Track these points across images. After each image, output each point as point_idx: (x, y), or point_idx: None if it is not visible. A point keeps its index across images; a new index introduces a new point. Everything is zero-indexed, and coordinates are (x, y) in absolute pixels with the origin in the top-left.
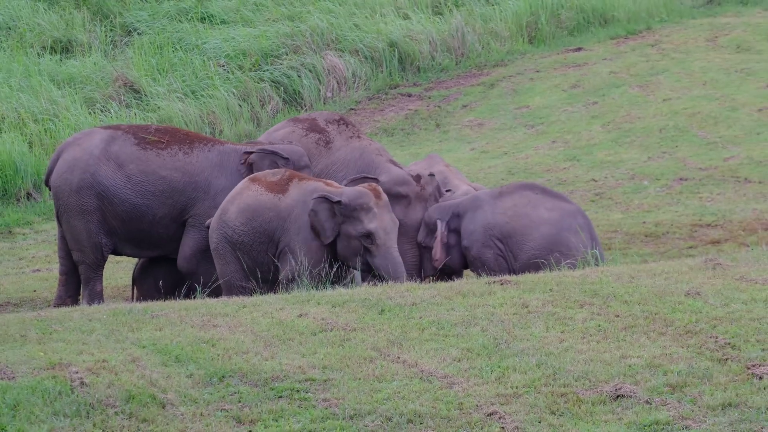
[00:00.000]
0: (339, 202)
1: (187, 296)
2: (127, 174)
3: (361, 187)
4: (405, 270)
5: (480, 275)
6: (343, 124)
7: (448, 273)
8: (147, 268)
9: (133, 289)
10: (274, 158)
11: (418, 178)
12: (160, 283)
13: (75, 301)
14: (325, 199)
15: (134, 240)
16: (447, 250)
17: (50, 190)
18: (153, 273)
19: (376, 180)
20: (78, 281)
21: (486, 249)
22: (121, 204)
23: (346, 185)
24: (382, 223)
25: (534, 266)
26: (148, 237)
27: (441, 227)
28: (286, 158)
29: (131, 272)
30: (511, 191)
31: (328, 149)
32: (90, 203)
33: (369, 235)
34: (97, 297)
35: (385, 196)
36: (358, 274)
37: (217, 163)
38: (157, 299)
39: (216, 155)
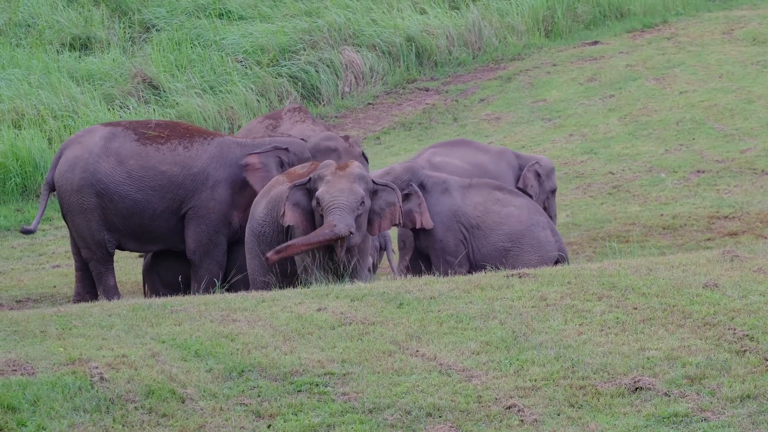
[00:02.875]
0: (309, 179)
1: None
2: (127, 170)
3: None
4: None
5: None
6: (298, 112)
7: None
8: (151, 264)
9: (144, 284)
10: (276, 153)
11: (346, 137)
12: (180, 278)
13: (94, 296)
14: (296, 187)
15: (136, 235)
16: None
17: (52, 188)
18: (157, 268)
19: (303, 140)
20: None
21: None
22: (122, 201)
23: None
24: (331, 188)
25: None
26: (149, 231)
27: (419, 192)
28: (285, 148)
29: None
30: (479, 186)
31: (274, 130)
32: (90, 202)
33: (318, 201)
34: (112, 291)
35: (349, 168)
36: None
37: (216, 155)
38: (163, 294)
39: (215, 147)
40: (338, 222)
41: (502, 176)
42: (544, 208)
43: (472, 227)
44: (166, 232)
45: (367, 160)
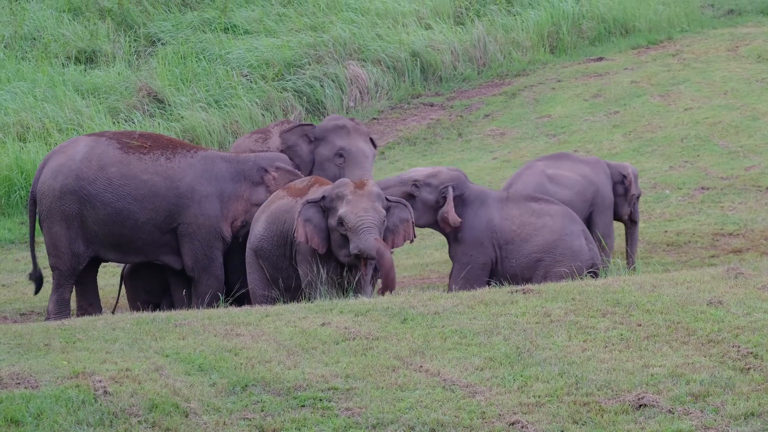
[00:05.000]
0: (323, 197)
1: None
2: (108, 177)
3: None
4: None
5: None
6: (285, 125)
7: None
8: (135, 269)
9: (123, 289)
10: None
11: (352, 120)
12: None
13: (96, 309)
14: (310, 203)
15: (117, 245)
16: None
17: (33, 201)
18: (140, 274)
19: (310, 125)
20: (95, 286)
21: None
22: (103, 208)
23: (290, 128)
24: (354, 208)
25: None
26: (130, 242)
27: (451, 194)
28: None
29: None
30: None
31: (264, 144)
32: (72, 208)
33: (341, 221)
34: (64, 304)
35: (367, 187)
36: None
37: (201, 170)
38: (145, 301)
39: (199, 161)
40: (375, 245)
41: (603, 185)
42: (631, 213)
43: (507, 242)
44: (149, 244)
45: (373, 143)
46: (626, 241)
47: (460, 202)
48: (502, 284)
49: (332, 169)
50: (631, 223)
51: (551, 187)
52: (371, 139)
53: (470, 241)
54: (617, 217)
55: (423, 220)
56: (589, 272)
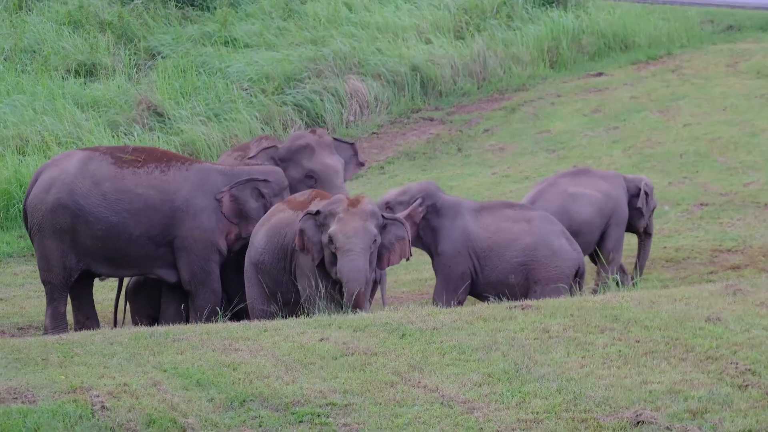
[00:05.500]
0: (318, 212)
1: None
2: (102, 192)
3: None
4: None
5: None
6: (265, 140)
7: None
8: (139, 285)
9: (124, 307)
10: (254, 184)
11: (314, 131)
12: (182, 307)
13: (94, 322)
14: (309, 215)
15: (110, 259)
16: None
17: (26, 215)
18: (147, 290)
19: (274, 147)
20: (91, 300)
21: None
22: (97, 222)
23: (256, 153)
24: (344, 227)
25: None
26: (124, 256)
27: (418, 201)
28: (264, 179)
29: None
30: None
31: (244, 160)
32: (64, 222)
33: (331, 239)
34: (60, 318)
35: (361, 205)
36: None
37: (196, 183)
38: (149, 316)
39: (194, 174)
40: (354, 281)
41: (620, 200)
42: (646, 225)
43: (484, 250)
44: (143, 257)
45: (354, 147)
46: (638, 252)
47: (434, 213)
48: (500, 299)
49: (305, 190)
50: (645, 235)
51: (573, 207)
52: (347, 143)
53: (448, 252)
54: (633, 229)
55: None
56: (574, 280)
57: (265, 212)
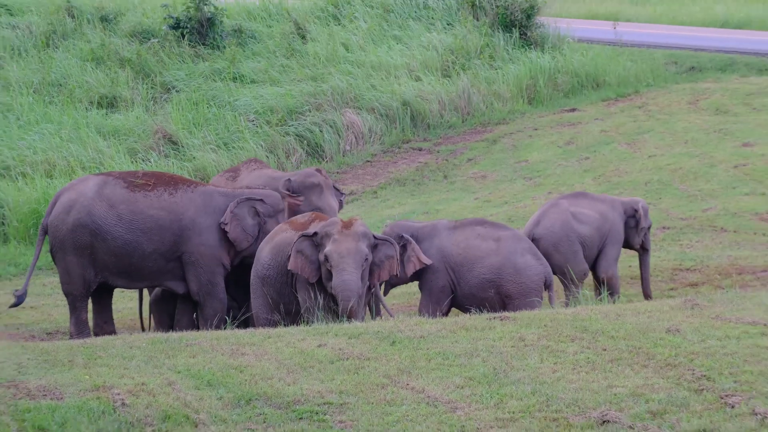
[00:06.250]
0: (315, 233)
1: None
2: (118, 213)
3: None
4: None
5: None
6: (254, 162)
7: (394, 284)
8: (162, 296)
9: (150, 316)
10: (252, 203)
11: (319, 170)
12: (194, 316)
13: (111, 326)
14: (304, 237)
15: (125, 273)
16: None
17: (46, 232)
18: (168, 300)
19: (287, 180)
20: (110, 308)
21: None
22: (114, 240)
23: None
24: (339, 247)
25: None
26: (138, 270)
27: (413, 242)
28: (261, 199)
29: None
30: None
31: (234, 180)
32: (84, 240)
33: (327, 258)
34: (83, 325)
35: (354, 227)
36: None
37: (201, 204)
38: (170, 325)
39: (199, 196)
40: (347, 296)
41: (616, 222)
42: (642, 242)
43: (458, 265)
44: (155, 271)
45: (338, 190)
46: (640, 267)
47: (416, 242)
48: (481, 311)
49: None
50: (642, 251)
51: (575, 224)
52: (336, 188)
53: (428, 268)
54: (630, 246)
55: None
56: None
57: (260, 231)
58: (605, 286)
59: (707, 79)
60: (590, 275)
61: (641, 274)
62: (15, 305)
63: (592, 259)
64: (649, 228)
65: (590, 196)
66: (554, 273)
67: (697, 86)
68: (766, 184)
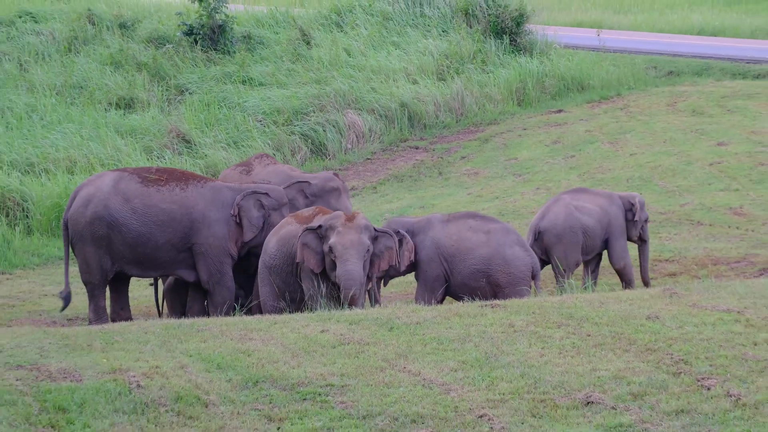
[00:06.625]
0: (320, 226)
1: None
2: (133, 207)
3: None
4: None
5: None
6: (264, 157)
7: (392, 276)
8: (175, 286)
9: (163, 303)
10: (257, 197)
11: (336, 174)
12: (204, 303)
13: (127, 313)
14: (309, 230)
15: (140, 262)
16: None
17: (66, 226)
18: (180, 289)
19: (307, 183)
20: (126, 295)
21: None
22: (129, 232)
23: (288, 185)
24: (342, 239)
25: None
26: (151, 260)
27: (407, 237)
28: (266, 193)
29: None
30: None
31: (248, 174)
32: (101, 232)
33: (331, 249)
34: (101, 311)
35: (356, 220)
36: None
37: (210, 198)
38: (182, 312)
39: (209, 191)
40: (350, 284)
41: (615, 214)
42: (640, 234)
43: (451, 255)
44: (167, 261)
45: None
46: (639, 257)
47: (411, 236)
48: (473, 299)
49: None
50: (641, 242)
51: (579, 216)
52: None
53: (423, 259)
54: (629, 237)
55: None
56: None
57: (265, 222)
58: (621, 276)
59: (684, 83)
60: (581, 266)
61: (640, 263)
62: (64, 306)
63: (594, 248)
64: (646, 221)
65: (590, 191)
66: (556, 263)
67: (675, 89)
68: (740, 181)
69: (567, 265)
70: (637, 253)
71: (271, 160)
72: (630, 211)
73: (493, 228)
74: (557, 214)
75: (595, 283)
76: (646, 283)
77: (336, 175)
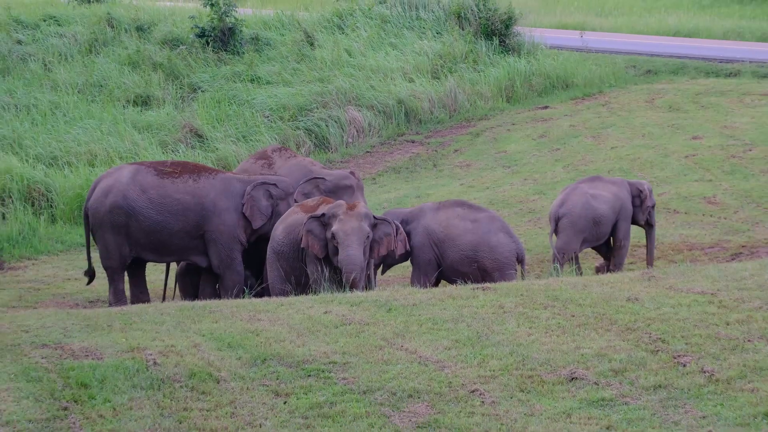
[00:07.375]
0: (323, 215)
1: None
2: (149, 197)
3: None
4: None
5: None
6: (283, 150)
7: (390, 264)
8: (187, 270)
9: (175, 286)
10: (266, 187)
11: (352, 173)
12: (216, 287)
13: (145, 295)
14: (313, 218)
15: (156, 248)
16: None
17: (87, 215)
18: (192, 273)
19: (323, 179)
20: (144, 279)
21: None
22: (146, 220)
23: (300, 185)
24: (344, 226)
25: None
26: (166, 246)
27: (401, 228)
28: (274, 183)
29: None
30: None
31: (270, 168)
32: (120, 220)
33: (334, 236)
34: (120, 294)
35: (357, 208)
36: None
37: (221, 189)
38: (193, 295)
39: (219, 182)
40: (351, 269)
41: (626, 200)
42: (647, 219)
43: (441, 241)
44: (181, 247)
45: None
46: (646, 241)
47: (405, 225)
48: (465, 282)
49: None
50: (648, 227)
51: (594, 203)
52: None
53: (416, 245)
54: (636, 222)
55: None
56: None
57: (272, 212)
58: (615, 255)
59: (662, 81)
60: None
61: (647, 246)
62: (90, 281)
63: (605, 235)
64: (653, 206)
65: (603, 179)
66: (570, 246)
67: (653, 87)
68: (713, 172)
69: (566, 251)
70: (644, 238)
71: (290, 153)
72: (638, 197)
73: (480, 216)
74: (575, 203)
75: (609, 266)
76: (650, 265)
77: (352, 173)
